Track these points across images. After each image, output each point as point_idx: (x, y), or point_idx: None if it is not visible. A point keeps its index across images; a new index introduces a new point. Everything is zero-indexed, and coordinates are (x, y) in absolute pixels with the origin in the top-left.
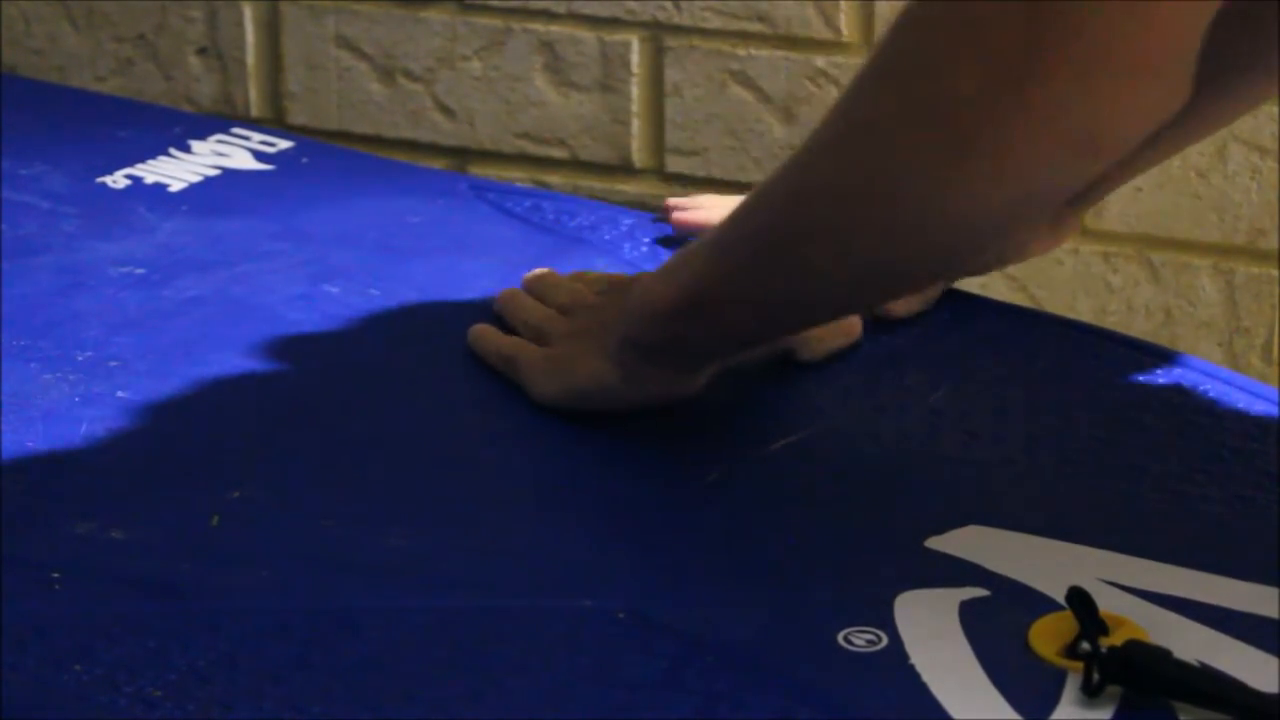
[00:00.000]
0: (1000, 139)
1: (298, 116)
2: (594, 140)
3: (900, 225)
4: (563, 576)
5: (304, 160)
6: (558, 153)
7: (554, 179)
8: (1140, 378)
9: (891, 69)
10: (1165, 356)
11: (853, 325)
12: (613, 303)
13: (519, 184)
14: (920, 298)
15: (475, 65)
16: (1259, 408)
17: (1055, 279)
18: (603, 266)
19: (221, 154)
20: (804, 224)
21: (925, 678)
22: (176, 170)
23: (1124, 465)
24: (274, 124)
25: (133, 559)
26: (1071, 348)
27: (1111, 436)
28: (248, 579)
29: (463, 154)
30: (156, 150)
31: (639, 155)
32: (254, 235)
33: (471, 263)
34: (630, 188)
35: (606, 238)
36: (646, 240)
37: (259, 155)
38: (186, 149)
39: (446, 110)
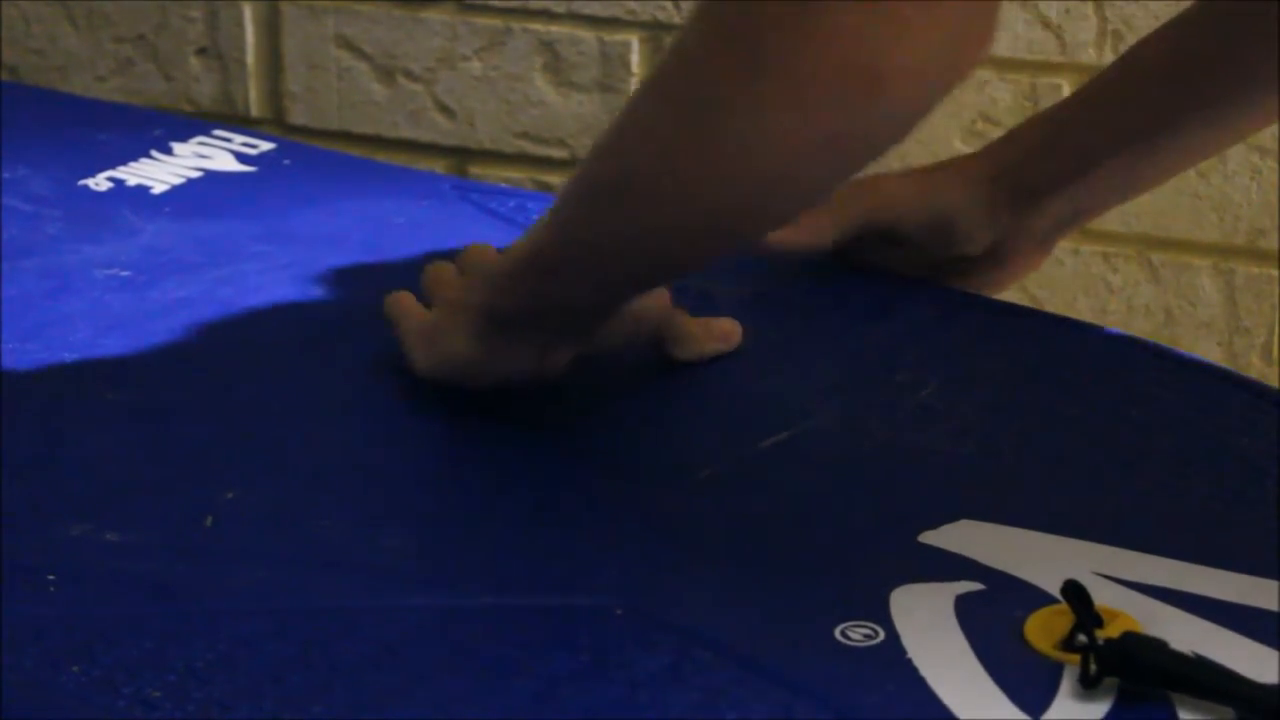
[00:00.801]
0: (790, 64)
1: (298, 116)
2: (594, 140)
3: (710, 158)
4: (559, 574)
5: (286, 162)
6: (558, 153)
7: (554, 179)
8: (1132, 372)
9: (701, 3)
10: (1157, 350)
11: (731, 331)
12: (477, 279)
13: (519, 184)
14: (814, 231)
15: (475, 65)
16: (1254, 401)
17: (1055, 279)
18: None
19: (203, 156)
20: (625, 166)
21: (923, 672)
22: (158, 172)
23: (1116, 458)
24: (274, 124)
25: (129, 560)
26: (1061, 342)
27: (1103, 430)
28: (246, 579)
29: (463, 154)
30: (138, 152)
31: None
32: (238, 237)
33: None
34: None
35: None
36: None
37: (241, 157)
38: (168, 151)
39: (446, 110)
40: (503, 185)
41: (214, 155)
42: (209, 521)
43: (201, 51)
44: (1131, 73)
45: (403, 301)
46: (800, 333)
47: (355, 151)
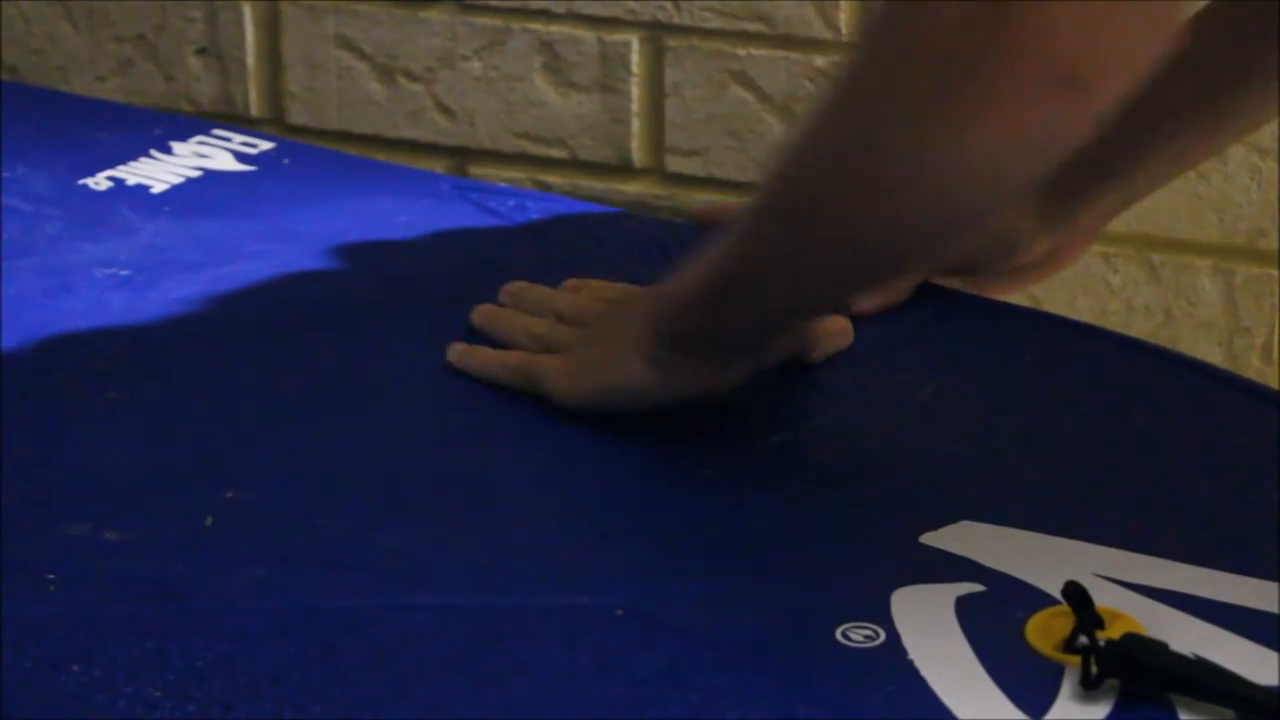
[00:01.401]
0: (986, 71)
1: (298, 116)
2: (594, 140)
3: (898, 177)
4: (560, 574)
5: (285, 161)
6: (558, 153)
7: (554, 179)
8: (1132, 372)
9: (880, 14)
10: (1157, 351)
11: (846, 328)
12: (636, 308)
13: (519, 184)
14: (892, 291)
15: (475, 65)
16: (1254, 402)
17: (1055, 279)
18: (585, 266)
19: (203, 155)
20: (811, 190)
21: (924, 673)
22: (158, 172)
23: (1116, 459)
24: (274, 124)
25: (128, 560)
26: (1061, 342)
27: (1104, 431)
28: (245, 579)
29: (462, 154)
30: (137, 152)
31: (639, 155)
32: (238, 236)
33: (457, 263)
34: (630, 188)
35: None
36: (628, 240)
37: (240, 156)
38: (168, 150)
39: (446, 110)
40: (502, 185)
41: (214, 155)
42: (209, 521)
43: (201, 51)
44: None
45: (487, 351)
46: None
47: (355, 151)
